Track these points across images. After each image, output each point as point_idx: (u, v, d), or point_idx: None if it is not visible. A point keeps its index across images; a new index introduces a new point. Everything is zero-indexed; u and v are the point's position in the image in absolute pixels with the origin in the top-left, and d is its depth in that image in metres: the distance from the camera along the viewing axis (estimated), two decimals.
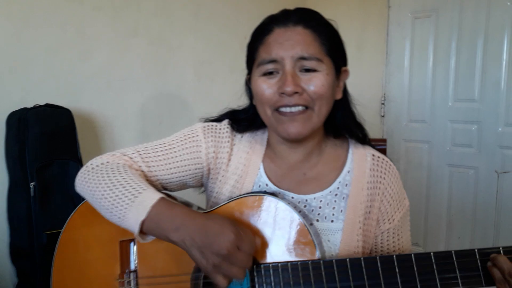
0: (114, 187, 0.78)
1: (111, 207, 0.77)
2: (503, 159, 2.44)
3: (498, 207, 2.47)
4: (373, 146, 0.98)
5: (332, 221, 0.90)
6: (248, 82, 0.92)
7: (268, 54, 0.82)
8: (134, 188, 0.77)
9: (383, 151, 1.27)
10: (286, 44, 0.81)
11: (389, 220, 0.92)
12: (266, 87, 0.83)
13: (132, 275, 0.86)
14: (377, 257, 0.78)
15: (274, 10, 0.89)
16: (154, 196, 0.76)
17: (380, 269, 0.77)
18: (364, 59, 2.89)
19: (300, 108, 0.82)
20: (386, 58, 2.81)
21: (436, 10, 2.60)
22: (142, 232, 0.75)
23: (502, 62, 2.40)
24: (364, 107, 3.09)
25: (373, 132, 2.87)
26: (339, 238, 0.89)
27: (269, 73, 0.83)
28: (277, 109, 0.84)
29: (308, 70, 0.82)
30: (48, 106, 1.45)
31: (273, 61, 0.82)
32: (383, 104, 2.84)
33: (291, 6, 0.89)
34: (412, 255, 0.76)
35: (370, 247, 0.93)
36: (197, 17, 2.08)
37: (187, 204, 0.93)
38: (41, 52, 1.54)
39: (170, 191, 0.97)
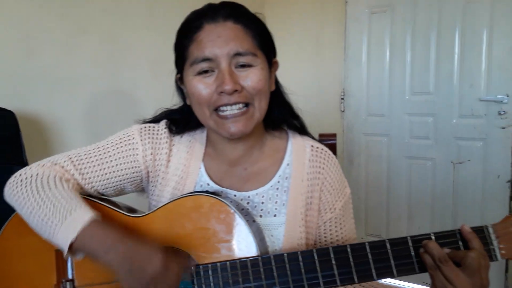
0: (43, 205, 0.76)
1: (40, 225, 0.76)
2: (458, 150, 2.51)
3: (454, 197, 2.54)
4: (313, 137, 0.98)
5: (275, 215, 0.90)
6: (179, 82, 0.90)
7: (201, 52, 0.80)
8: (64, 206, 0.76)
9: (333, 146, 1.28)
10: (219, 41, 0.79)
11: (330, 209, 0.93)
12: (203, 87, 0.81)
13: (68, 284, 0.83)
14: (314, 250, 0.77)
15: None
16: (84, 217, 0.74)
17: (317, 261, 0.77)
18: (324, 55, 2.91)
19: (240, 105, 0.81)
20: (344, 53, 2.84)
21: (392, 5, 2.64)
22: (72, 251, 0.74)
23: (454, 55, 2.46)
24: (325, 102, 3.13)
25: (333, 127, 2.92)
26: (282, 232, 0.89)
27: (204, 72, 0.81)
28: (216, 109, 0.82)
29: (243, 66, 0.81)
30: None
31: (207, 59, 0.80)
32: (342, 99, 2.87)
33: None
34: (348, 246, 0.77)
35: (314, 238, 0.93)
36: (152, 13, 2.03)
37: (131, 210, 0.90)
38: None
39: (108, 196, 0.94)
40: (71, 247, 0.73)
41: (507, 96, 2.33)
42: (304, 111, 3.21)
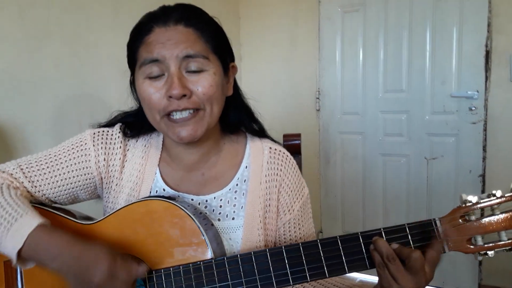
0: None
1: None
2: (431, 146, 2.54)
3: (429, 192, 2.57)
4: (272, 139, 0.98)
5: (233, 218, 0.89)
6: (133, 83, 0.88)
7: (150, 54, 0.78)
8: (10, 214, 0.73)
9: (297, 146, 1.28)
10: (168, 44, 0.77)
11: (289, 211, 0.92)
12: (152, 91, 0.79)
13: None
14: (267, 250, 0.77)
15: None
16: (32, 222, 0.72)
17: (270, 261, 0.76)
18: (298, 55, 2.92)
19: (190, 111, 0.79)
20: (319, 53, 2.84)
21: (364, 4, 2.66)
22: (21, 258, 0.72)
23: (426, 52, 2.49)
24: (300, 102, 3.14)
25: (309, 126, 2.93)
26: (240, 235, 0.88)
27: (154, 76, 0.79)
28: (167, 115, 0.80)
29: (194, 71, 0.78)
30: None
31: (155, 60, 0.78)
32: (318, 98, 2.87)
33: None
34: (300, 244, 0.76)
35: (273, 242, 0.93)
36: (116, 12, 1.99)
37: (86, 218, 0.88)
38: None
39: (61, 204, 0.91)
40: (19, 255, 0.71)
41: (477, 92, 2.36)
42: (280, 111, 3.22)
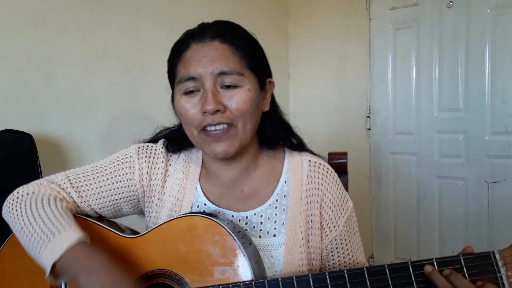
0: (34, 222, 0.77)
1: (28, 242, 0.76)
2: (492, 169, 2.38)
3: (490, 218, 2.39)
4: (312, 152, 0.95)
5: (274, 235, 0.87)
6: (173, 99, 0.89)
7: (186, 72, 0.80)
8: (54, 225, 0.76)
9: (344, 165, 1.23)
10: (204, 61, 0.79)
11: (334, 226, 0.89)
12: (189, 107, 0.81)
13: None
14: (309, 275, 0.73)
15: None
16: (72, 237, 0.74)
17: (312, 287, 0.73)
18: (348, 73, 2.87)
19: (224, 126, 0.80)
20: (369, 71, 2.78)
21: (417, 21, 2.58)
22: (55, 273, 0.73)
23: (485, 69, 2.36)
24: (350, 121, 3.08)
25: (359, 146, 2.85)
26: (282, 253, 0.85)
27: (190, 92, 0.81)
28: (203, 129, 0.81)
29: (229, 87, 0.79)
30: (7, 131, 1.43)
31: (192, 78, 0.79)
32: (368, 117, 2.80)
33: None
34: (345, 271, 0.72)
35: (318, 260, 0.89)
36: (170, 35, 2.07)
37: (132, 231, 0.90)
38: (2, 78, 1.54)
39: (106, 217, 0.94)
40: (54, 267, 0.72)
41: None
42: (329, 130, 3.18)
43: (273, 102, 0.92)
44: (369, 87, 2.79)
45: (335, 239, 0.90)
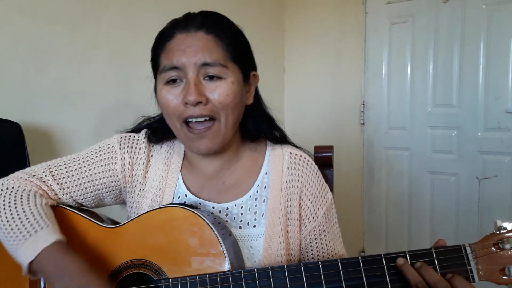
0: (12, 220, 0.77)
1: (5, 239, 0.77)
2: (484, 165, 2.39)
3: (481, 215, 2.41)
4: (294, 145, 0.96)
5: (254, 226, 0.88)
6: (156, 89, 0.89)
7: (169, 61, 0.80)
8: (31, 224, 0.76)
9: (329, 158, 1.23)
10: (188, 51, 0.78)
11: (313, 218, 0.90)
12: (171, 98, 0.80)
13: None
14: (285, 266, 0.74)
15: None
16: (49, 237, 0.74)
17: (287, 278, 0.73)
18: (343, 67, 2.87)
19: (206, 118, 0.80)
20: (364, 65, 2.78)
21: (413, 16, 2.57)
22: (32, 270, 0.74)
23: (479, 66, 2.36)
24: (344, 115, 3.07)
25: (353, 140, 2.86)
26: (261, 243, 0.86)
27: (172, 81, 0.80)
28: (185, 122, 0.81)
29: (212, 78, 0.79)
30: None
31: (175, 67, 0.79)
32: (362, 111, 2.80)
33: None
34: (320, 262, 0.73)
35: (297, 251, 0.90)
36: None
37: (113, 222, 0.90)
38: None
39: (87, 207, 0.94)
40: (30, 266, 0.73)
41: None
42: (324, 124, 3.16)
43: (256, 96, 0.91)
44: (364, 82, 2.79)
45: (314, 230, 0.90)
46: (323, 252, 0.91)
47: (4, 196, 0.82)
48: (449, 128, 2.49)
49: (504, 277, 0.65)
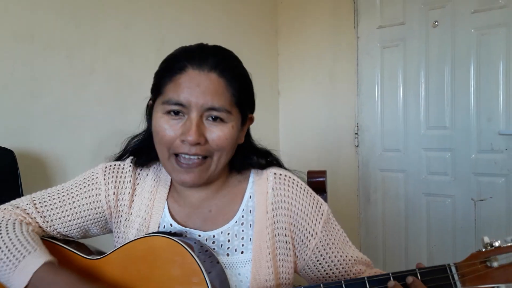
0: None
1: None
2: (479, 187, 2.38)
3: (477, 236, 2.39)
4: (280, 165, 0.94)
5: (242, 252, 0.86)
6: (150, 108, 0.88)
7: (176, 95, 0.78)
8: (19, 251, 0.75)
9: (322, 183, 1.23)
10: (197, 91, 0.77)
11: (312, 235, 0.88)
12: (168, 128, 0.79)
13: None
14: None
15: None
16: (38, 261, 0.73)
17: None
18: (337, 90, 2.89)
19: (199, 157, 0.80)
20: (357, 88, 2.81)
21: (404, 40, 2.62)
22: None
23: (470, 88, 2.38)
24: (339, 137, 3.07)
25: (348, 163, 2.86)
26: (249, 269, 0.84)
27: (174, 113, 0.79)
28: (175, 155, 0.81)
29: (215, 119, 0.79)
30: None
31: (180, 104, 0.78)
32: (356, 134, 2.81)
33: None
34: (321, 285, 0.72)
35: (289, 274, 0.88)
36: (160, 53, 2.07)
37: (99, 252, 0.89)
38: None
39: (74, 238, 0.93)
40: None
41: None
42: (318, 146, 3.15)
43: (247, 135, 0.92)
44: (358, 104, 2.81)
45: (317, 247, 0.88)
46: (334, 264, 0.89)
47: None
48: (443, 150, 2.50)
49: None
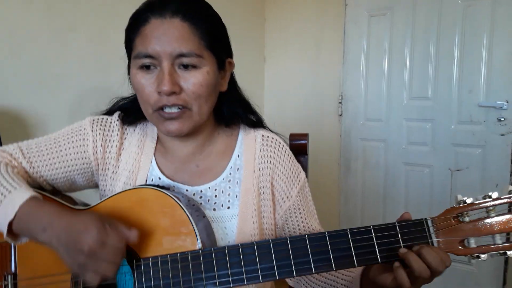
0: None
1: None
2: (456, 157, 2.45)
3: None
4: (269, 129, 0.97)
5: (228, 207, 0.89)
6: (129, 67, 0.88)
7: (144, 48, 0.78)
8: (4, 187, 0.75)
9: (304, 146, 1.25)
10: (162, 39, 0.77)
11: (287, 197, 0.92)
12: (145, 84, 0.80)
13: (10, 278, 0.82)
14: (254, 243, 0.75)
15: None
16: (24, 195, 0.74)
17: (257, 254, 0.75)
18: (322, 58, 2.89)
19: (180, 107, 0.80)
20: (343, 57, 2.81)
21: (391, 8, 2.61)
22: (13, 233, 0.73)
23: (454, 60, 2.41)
24: (323, 106, 3.10)
25: (331, 131, 2.89)
26: (235, 224, 0.88)
27: (146, 67, 0.79)
28: (158, 109, 0.81)
29: (187, 67, 0.78)
30: None
31: (149, 56, 0.78)
32: (340, 103, 2.83)
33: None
34: (287, 238, 0.75)
35: (271, 230, 0.92)
36: None
37: (85, 205, 0.89)
38: None
39: (60, 190, 0.93)
40: (11, 228, 0.73)
41: (507, 102, 2.26)
42: (302, 114, 3.18)
43: (232, 81, 0.92)
44: (343, 73, 2.82)
45: (289, 209, 0.92)
46: (299, 229, 0.93)
47: None
48: (424, 120, 2.54)
49: (462, 248, 0.67)
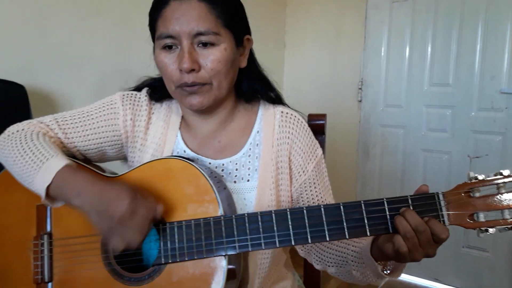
0: (24, 154, 0.83)
1: (21, 172, 0.82)
2: (476, 144, 2.44)
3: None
4: (287, 105, 1.01)
5: (248, 180, 0.94)
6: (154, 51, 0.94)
7: (165, 29, 0.84)
8: (42, 154, 0.81)
9: (321, 126, 1.28)
10: (181, 19, 0.82)
11: (304, 171, 0.96)
12: (168, 63, 0.85)
13: (46, 237, 0.89)
14: (272, 211, 0.80)
15: None
16: (60, 162, 0.80)
17: (274, 221, 0.79)
18: (343, 44, 2.89)
19: (199, 86, 0.85)
20: (364, 43, 2.80)
21: None
22: (50, 197, 0.79)
23: (476, 46, 2.39)
24: (342, 92, 3.10)
25: (350, 117, 2.90)
26: (254, 195, 0.93)
27: (168, 47, 0.85)
28: (180, 86, 0.86)
29: (205, 45, 0.84)
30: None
31: (170, 36, 0.84)
32: (360, 89, 2.84)
33: None
34: (304, 208, 0.78)
35: (287, 202, 0.97)
36: None
37: (114, 174, 0.95)
38: None
39: (91, 160, 1.00)
40: (48, 192, 0.78)
41: None
42: (322, 99, 3.19)
43: (251, 58, 0.96)
44: (363, 59, 2.82)
45: (304, 183, 0.96)
46: (313, 203, 0.98)
47: (15, 137, 0.88)
48: (444, 107, 2.53)
49: (471, 222, 0.70)
